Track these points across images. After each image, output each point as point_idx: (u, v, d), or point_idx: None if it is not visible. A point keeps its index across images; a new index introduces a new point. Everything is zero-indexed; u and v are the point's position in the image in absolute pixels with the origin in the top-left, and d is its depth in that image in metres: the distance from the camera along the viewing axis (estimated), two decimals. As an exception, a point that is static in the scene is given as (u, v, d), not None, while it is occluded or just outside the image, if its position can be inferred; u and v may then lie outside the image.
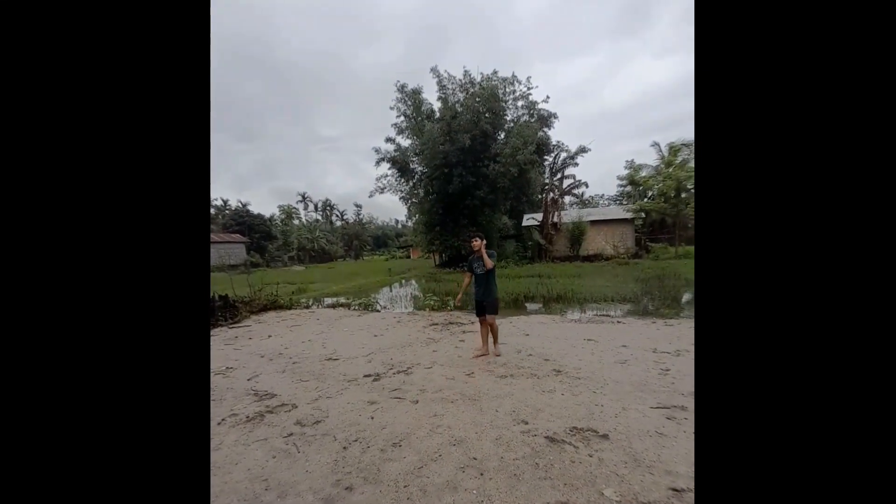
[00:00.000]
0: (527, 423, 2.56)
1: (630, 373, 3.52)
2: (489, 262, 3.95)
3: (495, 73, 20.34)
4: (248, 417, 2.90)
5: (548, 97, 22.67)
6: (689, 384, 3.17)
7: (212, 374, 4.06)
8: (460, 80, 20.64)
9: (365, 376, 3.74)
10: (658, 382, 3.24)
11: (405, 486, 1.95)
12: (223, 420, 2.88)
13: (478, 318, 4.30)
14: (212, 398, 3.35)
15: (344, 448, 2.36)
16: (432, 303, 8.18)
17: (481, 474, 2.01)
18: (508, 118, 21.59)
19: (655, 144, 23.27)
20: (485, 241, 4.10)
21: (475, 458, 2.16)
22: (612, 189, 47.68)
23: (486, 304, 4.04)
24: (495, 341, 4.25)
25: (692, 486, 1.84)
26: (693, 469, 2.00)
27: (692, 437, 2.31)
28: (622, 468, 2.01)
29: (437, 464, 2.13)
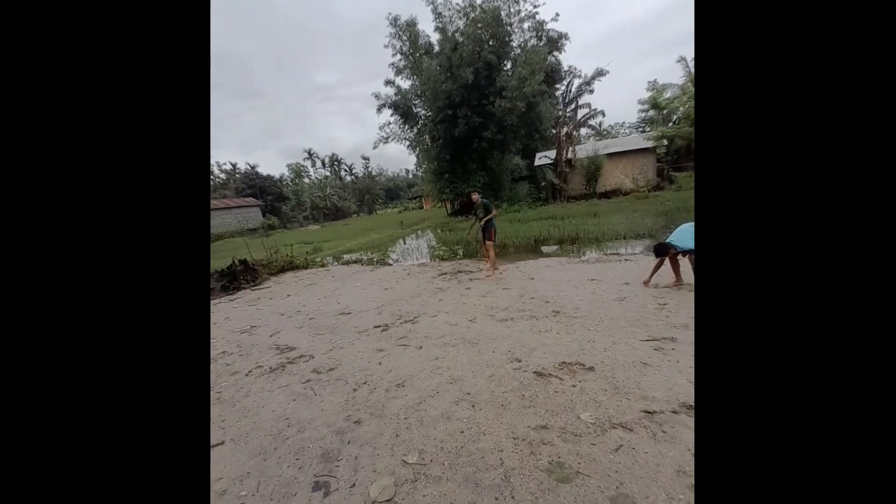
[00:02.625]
0: (520, 361, 2.75)
1: (627, 309, 3.61)
2: (493, 212, 5.76)
3: (497, -10, 18.13)
4: (271, 368, 3.25)
5: (557, 15, 20.15)
6: (683, 317, 3.25)
7: (238, 333, 4.47)
8: (458, 3, 18.58)
9: (375, 327, 4.02)
10: (653, 317, 3.33)
11: (405, 419, 2.21)
12: (250, 371, 3.24)
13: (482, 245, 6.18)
14: (239, 353, 3.74)
15: (354, 390, 2.65)
16: (442, 253, 8.35)
17: (472, 406, 2.24)
18: (514, 44, 19.65)
19: (682, 59, 20.85)
20: (480, 194, 5.98)
21: (468, 394, 2.39)
22: (633, 116, 44.14)
23: (484, 233, 5.80)
24: (491, 263, 5.93)
25: (665, 408, 1.99)
26: (678, 398, 2.13)
27: (675, 364, 2.44)
28: (601, 395, 2.18)
29: (435, 399, 2.38)
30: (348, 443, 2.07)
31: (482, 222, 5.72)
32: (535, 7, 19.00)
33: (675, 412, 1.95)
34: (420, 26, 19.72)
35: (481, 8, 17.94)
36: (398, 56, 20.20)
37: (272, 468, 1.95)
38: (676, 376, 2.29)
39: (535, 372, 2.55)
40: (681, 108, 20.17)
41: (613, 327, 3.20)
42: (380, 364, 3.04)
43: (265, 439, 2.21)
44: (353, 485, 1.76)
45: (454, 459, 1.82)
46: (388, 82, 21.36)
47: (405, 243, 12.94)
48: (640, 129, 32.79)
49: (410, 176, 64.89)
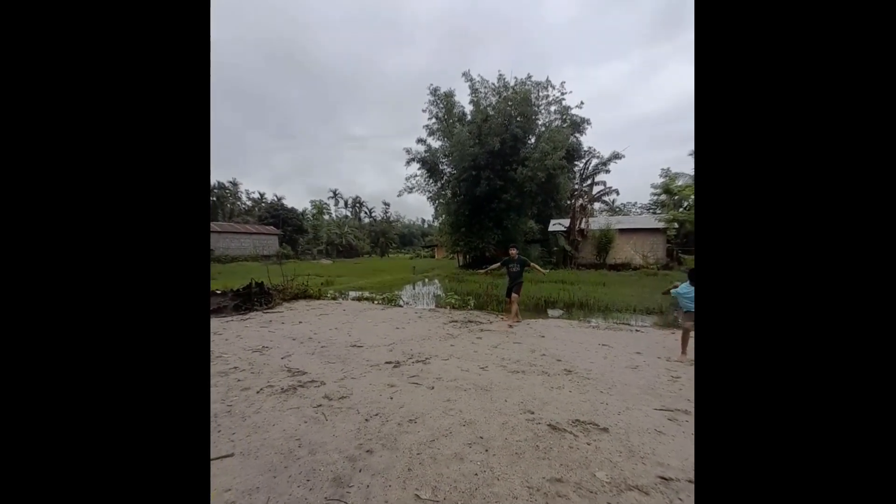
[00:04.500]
0: (532, 413, 2.75)
1: (639, 377, 3.60)
2: (541, 271, 7.05)
3: (529, 77, 20.37)
4: (282, 389, 3.28)
5: (582, 103, 22.24)
6: (698, 392, 3.23)
7: (250, 352, 4.52)
8: (493, 84, 20.82)
9: (386, 363, 4.05)
10: (666, 388, 3.32)
11: (418, 454, 2.21)
12: (262, 389, 3.27)
13: (508, 298, 6.65)
14: (251, 371, 3.78)
15: (366, 420, 2.66)
16: (453, 301, 8.43)
17: (486, 450, 2.24)
18: (540, 122, 21.52)
19: (692, 153, 22.38)
20: (518, 251, 6.64)
21: (482, 437, 2.39)
22: (644, 198, 46.06)
23: (513, 288, 6.42)
24: (515, 314, 6.31)
25: (681, 476, 1.98)
26: (693, 468, 2.13)
27: (691, 436, 2.42)
28: (616, 456, 2.17)
29: (448, 439, 2.38)
30: (360, 471, 2.07)
31: (515, 275, 6.37)
32: (562, 94, 21.12)
33: (691, 481, 1.93)
34: (456, 97, 21.94)
35: (513, 89, 20.03)
36: (433, 119, 22.20)
37: (282, 485, 1.95)
38: (691, 448, 2.27)
39: (549, 425, 2.55)
40: (692, 196, 21.10)
41: (626, 393, 3.19)
42: (391, 399, 3.05)
43: (275, 457, 2.22)
44: (364, 512, 1.75)
45: (468, 500, 1.81)
46: (420, 140, 23.15)
47: (415, 288, 13.07)
48: (650, 211, 34.00)
49: (426, 225, 66.89)
